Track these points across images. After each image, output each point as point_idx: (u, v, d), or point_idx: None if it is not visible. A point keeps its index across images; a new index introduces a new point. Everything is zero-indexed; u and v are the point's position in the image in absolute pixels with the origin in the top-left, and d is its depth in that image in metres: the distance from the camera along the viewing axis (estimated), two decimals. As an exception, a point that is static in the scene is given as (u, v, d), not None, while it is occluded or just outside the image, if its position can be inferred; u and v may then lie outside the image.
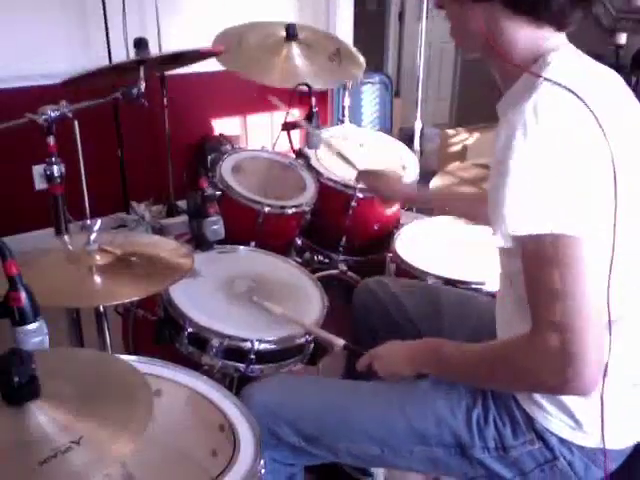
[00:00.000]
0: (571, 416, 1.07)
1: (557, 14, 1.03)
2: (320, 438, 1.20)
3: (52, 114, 1.52)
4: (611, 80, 1.10)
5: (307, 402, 1.23)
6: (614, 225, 0.96)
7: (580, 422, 1.06)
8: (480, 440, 1.13)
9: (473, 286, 1.64)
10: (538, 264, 0.96)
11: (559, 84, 0.97)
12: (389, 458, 1.19)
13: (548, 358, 0.96)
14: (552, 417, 1.08)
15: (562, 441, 1.08)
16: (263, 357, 1.42)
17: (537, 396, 1.08)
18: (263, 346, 1.41)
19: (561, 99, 0.96)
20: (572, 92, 0.96)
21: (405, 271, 1.76)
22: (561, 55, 1.04)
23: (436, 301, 1.49)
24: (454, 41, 1.16)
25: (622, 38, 3.40)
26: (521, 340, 1.02)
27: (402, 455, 1.18)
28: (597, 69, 1.09)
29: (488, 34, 1.06)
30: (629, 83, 3.10)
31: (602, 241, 0.96)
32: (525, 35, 1.05)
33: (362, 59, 2.33)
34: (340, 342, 1.36)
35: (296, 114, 2.12)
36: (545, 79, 0.98)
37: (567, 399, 1.06)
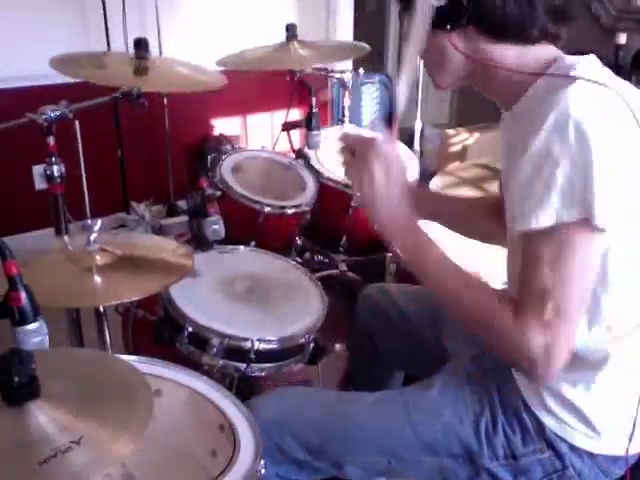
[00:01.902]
0: (585, 422, 1.06)
1: (539, 36, 1.01)
2: (325, 451, 1.18)
3: (52, 114, 1.52)
4: (628, 85, 1.07)
5: (312, 415, 1.21)
6: None
7: (595, 428, 1.05)
8: (489, 448, 1.11)
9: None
10: (544, 245, 0.94)
11: (596, 82, 0.94)
12: (396, 469, 1.17)
13: (528, 332, 0.94)
14: (565, 424, 1.07)
15: (573, 449, 1.07)
16: (263, 357, 1.42)
17: (548, 401, 1.07)
18: (263, 346, 1.41)
19: (604, 97, 0.93)
20: (612, 90, 0.93)
21: (405, 271, 1.76)
22: (582, 58, 1.01)
23: (437, 306, 1.46)
24: (432, 77, 1.12)
25: (622, 38, 3.39)
26: (508, 315, 0.97)
27: (410, 466, 1.16)
28: (611, 73, 1.06)
29: (473, 60, 1.04)
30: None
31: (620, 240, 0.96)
32: (514, 54, 1.02)
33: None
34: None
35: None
36: (578, 78, 0.94)
37: (582, 405, 1.05)
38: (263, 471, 1.01)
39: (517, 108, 1.07)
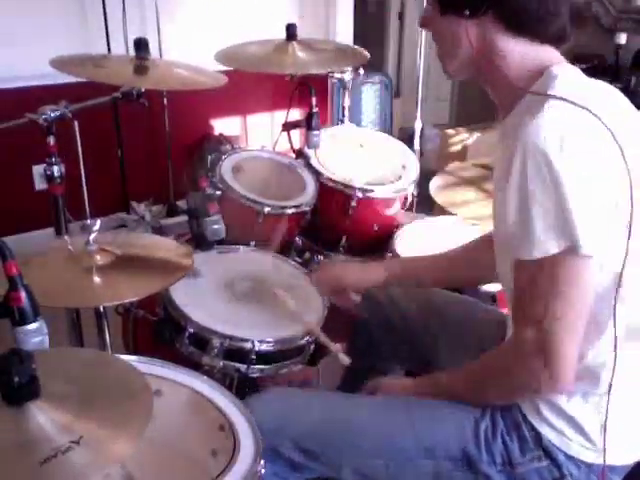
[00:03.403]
0: (581, 432, 1.06)
1: (555, 35, 1.02)
2: (322, 454, 1.18)
3: (52, 114, 1.52)
4: (613, 94, 1.09)
5: (310, 417, 1.20)
6: (628, 239, 0.96)
7: (591, 438, 1.06)
8: (487, 454, 1.11)
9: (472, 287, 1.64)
10: (538, 274, 0.98)
11: (573, 102, 0.95)
12: (394, 473, 1.17)
13: (527, 358, 1.00)
14: (561, 434, 1.07)
15: (570, 458, 1.07)
16: (264, 358, 1.42)
17: (545, 412, 1.08)
18: (264, 347, 1.40)
19: (578, 119, 0.94)
20: (587, 110, 0.94)
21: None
22: (565, 69, 1.02)
23: (438, 308, 1.48)
24: (442, 63, 1.12)
25: (622, 38, 3.39)
26: (502, 347, 1.08)
27: (408, 469, 1.16)
28: (597, 84, 1.08)
29: (480, 51, 1.04)
30: (629, 83, 3.11)
31: (611, 257, 0.98)
32: (520, 51, 1.03)
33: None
34: (340, 352, 1.39)
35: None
36: (555, 97, 0.96)
37: (578, 416, 1.06)
38: (263, 471, 1.01)
39: (506, 122, 1.08)
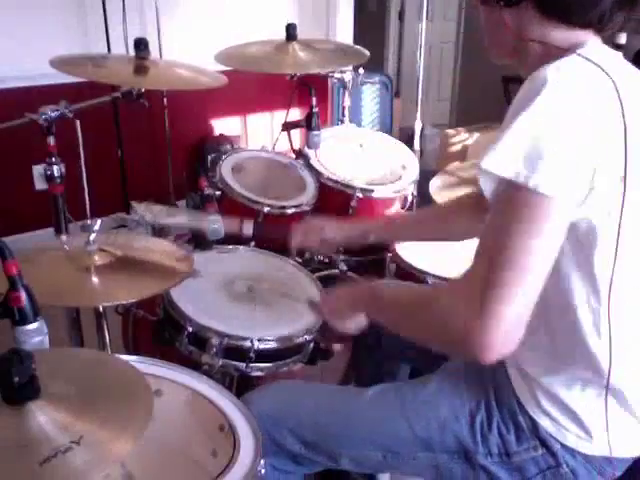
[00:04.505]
0: (579, 423, 1.05)
1: (595, 21, 0.99)
2: (321, 445, 1.19)
3: (52, 114, 1.52)
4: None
5: (308, 409, 1.22)
6: (621, 208, 0.92)
7: (588, 430, 1.05)
8: (483, 446, 1.11)
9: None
10: (500, 214, 0.92)
11: (588, 59, 0.93)
12: (391, 464, 1.18)
13: (463, 302, 0.92)
14: (557, 424, 1.07)
15: (566, 448, 1.07)
16: (263, 356, 1.42)
17: (543, 402, 1.07)
18: (263, 345, 1.41)
19: (586, 67, 0.93)
20: (599, 66, 0.92)
21: (405, 271, 1.76)
22: (597, 43, 1.01)
23: None
24: (487, 46, 1.12)
25: (622, 38, 3.39)
26: (447, 285, 1.04)
27: (405, 461, 1.17)
28: (628, 65, 1.06)
29: (519, 39, 1.03)
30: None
31: (601, 224, 0.93)
32: (559, 38, 1.00)
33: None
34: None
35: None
36: (575, 54, 0.94)
37: (575, 407, 1.05)
38: (263, 471, 1.01)
39: None
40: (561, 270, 0.98)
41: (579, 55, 0.94)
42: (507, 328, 0.89)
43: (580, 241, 0.95)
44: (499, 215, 0.93)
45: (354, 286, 1.30)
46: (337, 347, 1.42)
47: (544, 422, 1.08)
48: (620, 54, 1.05)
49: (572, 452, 1.07)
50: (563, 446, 1.07)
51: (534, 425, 1.08)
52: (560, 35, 1.01)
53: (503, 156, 0.90)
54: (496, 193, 0.94)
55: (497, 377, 1.14)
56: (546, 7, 0.99)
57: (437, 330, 1.01)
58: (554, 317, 1.03)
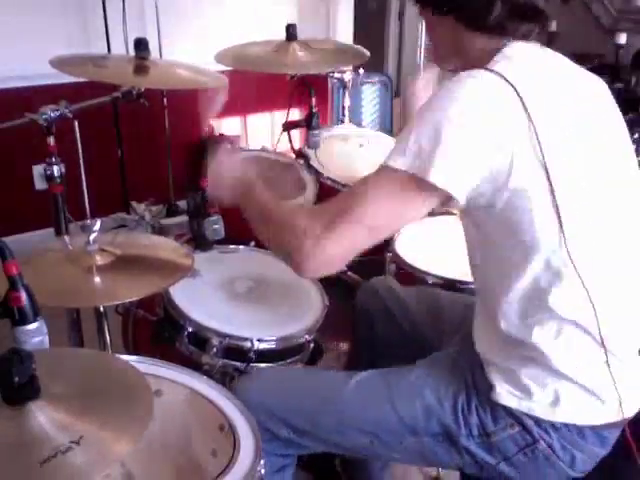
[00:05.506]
0: (528, 393, 1.10)
1: (496, 27, 1.06)
2: (311, 431, 1.22)
3: (52, 114, 1.52)
4: (583, 81, 1.12)
5: (297, 395, 1.25)
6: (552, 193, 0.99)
7: (540, 399, 1.09)
8: (465, 428, 1.15)
9: (473, 286, 1.63)
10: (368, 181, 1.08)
11: (490, 70, 1.01)
12: (379, 449, 1.21)
13: (307, 227, 1.07)
14: (517, 397, 1.11)
15: (538, 423, 1.11)
16: (263, 356, 1.42)
17: (504, 378, 1.12)
18: (263, 345, 1.41)
19: (485, 75, 1.01)
20: (500, 75, 1.00)
21: (405, 271, 1.76)
22: (515, 48, 1.07)
23: (438, 306, 1.49)
24: (431, 52, 1.21)
25: (622, 38, 3.39)
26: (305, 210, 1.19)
27: (391, 446, 1.20)
28: (568, 70, 1.12)
29: (452, 46, 1.12)
30: (629, 83, 3.11)
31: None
32: (481, 44, 1.09)
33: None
34: None
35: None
36: (485, 69, 1.02)
37: (527, 378, 1.10)
38: (263, 471, 1.01)
39: None
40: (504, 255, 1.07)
41: (485, 69, 1.02)
42: (325, 260, 1.09)
43: (517, 221, 1.03)
44: (378, 177, 1.08)
45: (235, 173, 1.33)
46: (337, 347, 1.42)
47: (509, 400, 1.11)
48: (549, 50, 1.11)
49: (544, 427, 1.10)
50: (535, 421, 1.11)
51: (506, 405, 1.12)
52: (481, 42, 1.09)
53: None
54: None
55: (474, 362, 1.18)
56: (459, 17, 1.09)
57: (279, 240, 1.17)
58: (503, 303, 1.10)
